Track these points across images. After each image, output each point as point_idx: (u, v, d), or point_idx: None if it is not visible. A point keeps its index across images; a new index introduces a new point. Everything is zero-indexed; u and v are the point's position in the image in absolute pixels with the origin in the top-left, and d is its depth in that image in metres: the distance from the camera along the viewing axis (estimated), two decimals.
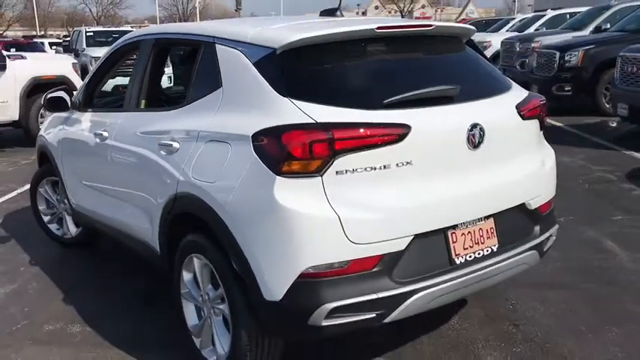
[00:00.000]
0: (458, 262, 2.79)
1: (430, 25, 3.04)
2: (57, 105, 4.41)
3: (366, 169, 2.54)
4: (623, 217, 5.38)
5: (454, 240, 2.79)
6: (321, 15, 3.40)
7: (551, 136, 3.79)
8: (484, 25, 20.29)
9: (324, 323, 2.54)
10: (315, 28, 2.87)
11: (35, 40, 31.25)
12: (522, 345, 3.33)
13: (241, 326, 2.79)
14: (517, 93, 3.18)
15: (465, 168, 2.81)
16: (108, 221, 4.14)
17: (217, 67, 3.03)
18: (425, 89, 2.76)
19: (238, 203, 2.66)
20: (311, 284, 2.52)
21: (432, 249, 2.73)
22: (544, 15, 16.93)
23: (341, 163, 2.51)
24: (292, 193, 2.49)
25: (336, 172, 2.50)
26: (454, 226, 2.79)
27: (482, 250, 2.88)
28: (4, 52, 10.56)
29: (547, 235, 3.21)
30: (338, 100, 2.63)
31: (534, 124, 3.19)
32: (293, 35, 2.75)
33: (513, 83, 3.32)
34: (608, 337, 3.38)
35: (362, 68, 2.87)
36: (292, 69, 2.73)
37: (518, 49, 13.44)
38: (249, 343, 2.79)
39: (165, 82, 5.25)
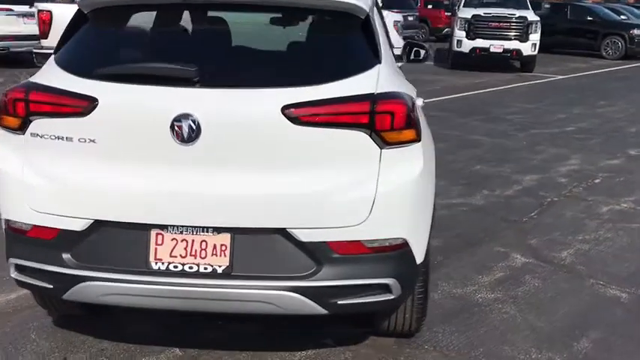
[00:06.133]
0: (155, 267, 2.44)
1: None
2: None
3: (51, 137, 2.46)
4: None
5: (158, 242, 2.44)
6: None
7: None
8: None
9: (14, 276, 2.63)
10: None
11: None
12: None
13: None
14: (329, 88, 2.39)
15: (174, 164, 2.39)
16: None
17: None
18: (140, 65, 2.44)
19: None
20: (9, 236, 2.63)
21: (126, 243, 2.47)
22: None
23: (35, 125, 2.49)
24: (3, 147, 2.60)
25: (31, 134, 2.50)
26: (163, 227, 2.43)
27: (199, 265, 2.42)
28: None
29: (338, 283, 2.43)
30: (75, 65, 2.56)
31: (337, 133, 2.38)
32: None
33: (366, 80, 2.46)
34: None
35: (129, 36, 2.73)
36: (74, 29, 2.72)
37: None
38: None
39: None
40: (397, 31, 11.48)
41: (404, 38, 21.47)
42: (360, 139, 2.40)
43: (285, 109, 2.34)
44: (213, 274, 2.42)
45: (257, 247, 2.43)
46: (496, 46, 14.74)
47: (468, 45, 14.95)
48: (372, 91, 2.44)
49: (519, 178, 6.16)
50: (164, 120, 2.34)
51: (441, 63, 16.19)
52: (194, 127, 2.33)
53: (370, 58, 2.58)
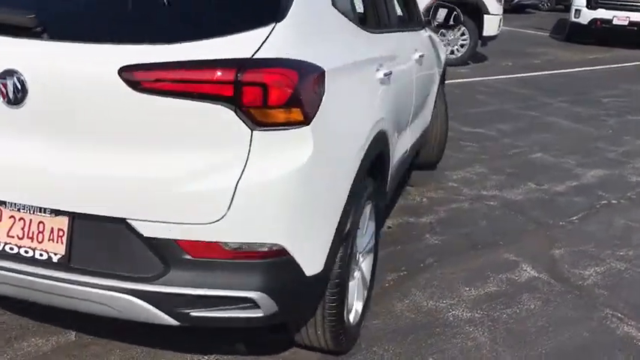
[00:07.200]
0: None
1: None
2: None
3: None
4: None
5: None
6: None
7: None
8: None
9: None
10: None
11: None
12: None
13: None
14: (186, 49, 1.91)
15: (3, 130, 2.03)
16: None
17: None
18: None
19: None
20: None
21: None
22: None
23: None
24: None
25: None
26: (2, 203, 2.10)
27: (35, 250, 2.07)
28: None
29: (187, 291, 1.98)
30: None
31: (193, 106, 1.89)
32: None
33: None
34: None
35: None
36: None
37: None
38: None
39: None
40: None
41: (522, 6, 19.97)
42: (223, 115, 1.91)
43: (122, 71, 1.89)
44: (48, 263, 2.06)
45: (98, 237, 2.03)
46: (620, 17, 13.08)
47: (587, 15, 13.41)
48: (246, 56, 1.92)
49: (581, 172, 5.27)
50: None
51: (557, 35, 14.77)
52: (19, 86, 1.95)
53: (264, 13, 2.04)
